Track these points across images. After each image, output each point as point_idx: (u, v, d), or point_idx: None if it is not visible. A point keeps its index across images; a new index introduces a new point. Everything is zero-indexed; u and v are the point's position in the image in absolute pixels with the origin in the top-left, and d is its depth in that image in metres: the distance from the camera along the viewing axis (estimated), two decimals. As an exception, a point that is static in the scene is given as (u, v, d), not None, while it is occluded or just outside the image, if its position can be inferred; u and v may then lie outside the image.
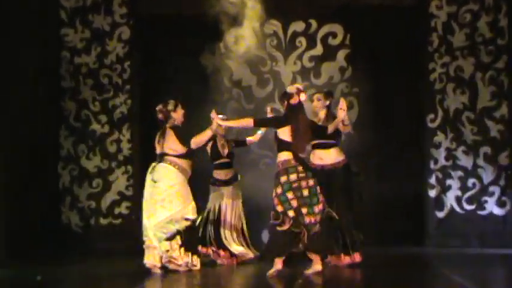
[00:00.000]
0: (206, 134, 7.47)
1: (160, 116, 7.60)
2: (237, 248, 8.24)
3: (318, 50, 10.31)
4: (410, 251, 9.21)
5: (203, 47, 9.47)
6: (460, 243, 9.46)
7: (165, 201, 7.43)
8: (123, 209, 10.01)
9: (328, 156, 7.63)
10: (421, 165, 9.85)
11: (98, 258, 8.98)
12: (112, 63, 10.10)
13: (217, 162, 8.42)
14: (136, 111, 10.04)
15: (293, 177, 6.92)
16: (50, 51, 9.90)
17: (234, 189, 8.43)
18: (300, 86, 7.11)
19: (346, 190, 7.60)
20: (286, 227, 6.79)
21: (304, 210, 6.90)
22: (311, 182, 6.90)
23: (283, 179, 6.94)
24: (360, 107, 10.11)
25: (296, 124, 6.81)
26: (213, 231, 8.21)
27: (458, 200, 9.72)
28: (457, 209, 9.71)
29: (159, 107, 7.60)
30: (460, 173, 9.73)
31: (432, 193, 9.75)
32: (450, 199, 9.68)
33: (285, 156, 6.96)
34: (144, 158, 9.18)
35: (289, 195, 6.92)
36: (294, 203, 6.90)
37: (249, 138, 8.54)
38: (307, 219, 6.84)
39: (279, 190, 6.95)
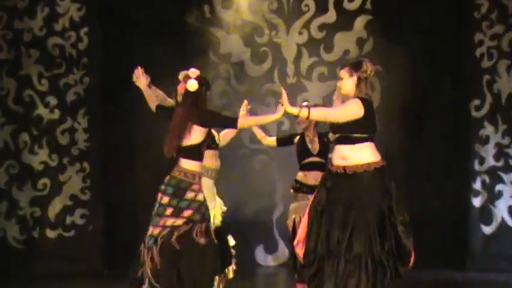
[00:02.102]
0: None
1: None
2: None
3: (330, 16, 9.54)
4: (448, 276, 8.75)
5: (183, 10, 9.18)
6: None
7: None
8: (77, 217, 9.33)
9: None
10: (462, 166, 9.21)
11: (44, 283, 8.52)
12: (64, 30, 9.39)
13: (305, 161, 7.45)
14: (96, 93, 9.42)
15: None
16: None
17: None
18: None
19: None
20: None
21: None
22: None
23: None
24: (382, 89, 9.34)
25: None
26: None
27: None
28: (510, 222, 8.92)
29: None
30: None
31: (477, 202, 9.04)
32: (501, 210, 8.95)
33: None
34: (105, 152, 9.14)
35: None
36: None
37: None
38: None
39: None
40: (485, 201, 8.96)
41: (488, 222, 8.94)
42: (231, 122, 5.77)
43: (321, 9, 9.54)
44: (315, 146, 7.44)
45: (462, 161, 9.15)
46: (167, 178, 5.61)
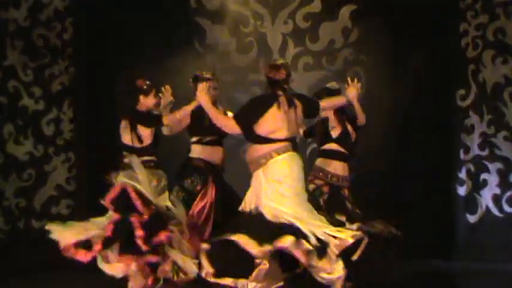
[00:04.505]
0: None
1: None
2: None
3: (316, 5, 9.45)
4: (433, 265, 8.69)
5: (168, 1, 9.21)
6: (498, 256, 8.64)
7: None
8: (62, 207, 9.30)
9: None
10: (448, 155, 9.17)
11: (29, 275, 8.23)
12: (49, 20, 9.31)
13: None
14: (81, 83, 9.37)
15: None
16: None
17: None
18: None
19: None
20: None
21: None
22: None
23: None
24: (368, 80, 9.27)
25: None
26: None
27: (497, 199, 8.90)
28: (495, 211, 8.91)
29: None
30: (499, 165, 8.90)
31: (462, 191, 9.04)
32: (486, 199, 8.96)
33: None
34: (90, 142, 9.08)
35: None
36: None
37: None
38: None
39: None
40: (470, 190, 8.97)
41: (473, 211, 8.97)
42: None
43: (307, -2, 9.46)
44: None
45: (448, 150, 9.13)
46: None
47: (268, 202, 6.23)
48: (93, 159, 8.88)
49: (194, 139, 7.20)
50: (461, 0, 9.00)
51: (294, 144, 6.39)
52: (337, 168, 7.20)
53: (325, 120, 7.14)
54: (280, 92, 6.31)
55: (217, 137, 7.30)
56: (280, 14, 9.45)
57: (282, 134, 6.30)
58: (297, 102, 6.39)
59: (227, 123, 6.37)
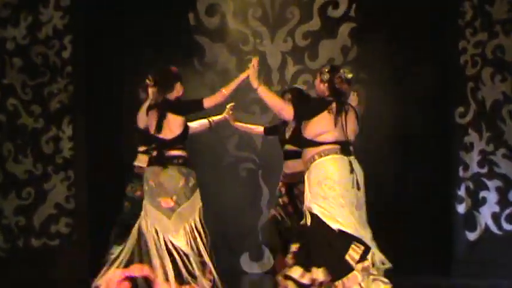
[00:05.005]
0: None
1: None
2: None
3: (315, 23, 9.46)
4: (432, 282, 8.63)
5: (168, 19, 9.15)
6: (497, 274, 8.57)
7: None
8: (61, 226, 9.20)
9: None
10: (447, 173, 9.07)
11: None
12: (48, 38, 9.26)
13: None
14: (80, 101, 9.24)
15: None
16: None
17: None
18: None
19: None
20: None
21: None
22: None
23: None
24: (367, 97, 8.45)
25: None
26: None
27: (496, 217, 8.84)
28: (494, 229, 8.86)
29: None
30: (498, 182, 8.84)
31: (461, 208, 8.94)
32: (485, 216, 8.89)
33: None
34: (90, 160, 8.98)
35: None
36: None
37: None
38: None
39: None
40: (470, 208, 8.91)
41: (472, 229, 8.88)
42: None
43: (306, 16, 9.42)
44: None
45: (447, 167, 9.05)
46: None
47: (312, 205, 6.15)
48: (92, 177, 8.83)
49: (142, 149, 7.15)
50: (461, 18, 8.95)
51: (345, 147, 6.27)
52: (290, 166, 7.32)
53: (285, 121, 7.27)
54: (333, 99, 6.27)
55: None
56: (280, 32, 9.45)
57: (329, 136, 6.22)
58: (350, 109, 6.35)
59: (285, 107, 6.21)
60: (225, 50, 9.41)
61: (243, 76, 6.29)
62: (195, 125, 7.10)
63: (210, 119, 7.32)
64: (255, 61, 6.21)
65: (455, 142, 8.98)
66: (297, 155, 6.94)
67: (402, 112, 9.03)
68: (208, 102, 6.34)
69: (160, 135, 6.38)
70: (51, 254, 9.05)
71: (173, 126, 6.37)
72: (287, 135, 7.28)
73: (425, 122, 9.09)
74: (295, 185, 7.20)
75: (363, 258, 5.98)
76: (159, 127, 6.35)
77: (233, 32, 9.30)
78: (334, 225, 5.97)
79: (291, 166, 7.24)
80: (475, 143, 8.90)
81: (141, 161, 7.07)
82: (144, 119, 6.59)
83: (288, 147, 7.29)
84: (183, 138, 6.44)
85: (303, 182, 6.38)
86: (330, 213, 6.01)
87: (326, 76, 6.29)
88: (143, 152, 7.12)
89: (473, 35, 8.92)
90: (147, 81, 6.68)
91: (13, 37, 9.13)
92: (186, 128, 6.44)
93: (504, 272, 8.56)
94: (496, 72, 8.84)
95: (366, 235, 6.11)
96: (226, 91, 6.32)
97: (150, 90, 6.54)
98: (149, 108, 6.49)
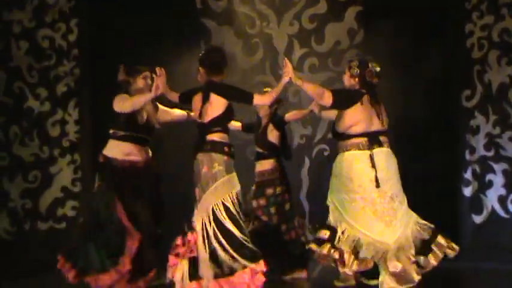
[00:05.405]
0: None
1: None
2: None
3: (321, 6, 9.43)
4: (438, 265, 8.06)
5: (175, 2, 9.16)
6: (503, 257, 8.48)
7: None
8: (68, 209, 9.26)
9: None
10: (453, 156, 9.05)
11: (34, 275, 8.26)
12: (54, 21, 9.29)
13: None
14: (87, 84, 9.30)
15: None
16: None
17: None
18: None
19: None
20: None
21: None
22: None
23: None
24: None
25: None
26: None
27: (502, 200, 8.74)
28: (500, 212, 8.77)
29: None
30: (504, 165, 8.75)
31: (467, 191, 8.92)
32: (491, 199, 8.82)
33: None
34: (96, 143, 8.34)
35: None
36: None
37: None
38: None
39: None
40: (476, 191, 8.88)
41: (478, 212, 8.86)
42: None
43: (312, -1, 9.38)
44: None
45: (453, 150, 9.05)
46: None
47: (328, 194, 6.40)
48: (98, 160, 8.72)
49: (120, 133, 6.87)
50: (467, 1, 8.92)
51: (374, 139, 6.36)
52: (257, 167, 7.46)
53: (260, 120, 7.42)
54: (366, 91, 6.38)
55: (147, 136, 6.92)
56: (286, 15, 9.41)
57: (359, 128, 6.33)
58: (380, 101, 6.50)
59: (324, 93, 6.22)
60: (231, 33, 9.37)
61: (285, 80, 6.24)
62: (177, 112, 6.99)
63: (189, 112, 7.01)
64: (286, 61, 6.21)
65: (462, 125, 8.97)
66: (265, 157, 7.32)
67: (409, 95, 9.00)
68: (257, 100, 6.26)
69: (200, 120, 6.24)
70: (57, 237, 9.04)
71: (215, 107, 6.19)
72: (257, 136, 7.42)
73: (431, 105, 9.04)
74: (268, 185, 7.40)
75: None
76: (202, 112, 6.25)
77: (240, 15, 9.26)
78: (332, 217, 6.35)
79: (258, 166, 7.47)
80: (481, 126, 8.87)
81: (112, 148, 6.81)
82: (128, 105, 6.52)
83: (258, 148, 7.45)
84: (224, 120, 6.27)
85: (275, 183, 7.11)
86: (334, 205, 6.33)
87: (356, 71, 6.42)
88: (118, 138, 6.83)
89: (480, 18, 8.87)
90: (147, 72, 6.78)
91: (19, 20, 9.11)
92: (227, 110, 6.25)
93: (510, 254, 8.50)
94: (502, 55, 8.77)
95: (385, 230, 6.34)
96: (275, 94, 6.28)
97: (159, 80, 6.29)
98: (192, 93, 6.39)
